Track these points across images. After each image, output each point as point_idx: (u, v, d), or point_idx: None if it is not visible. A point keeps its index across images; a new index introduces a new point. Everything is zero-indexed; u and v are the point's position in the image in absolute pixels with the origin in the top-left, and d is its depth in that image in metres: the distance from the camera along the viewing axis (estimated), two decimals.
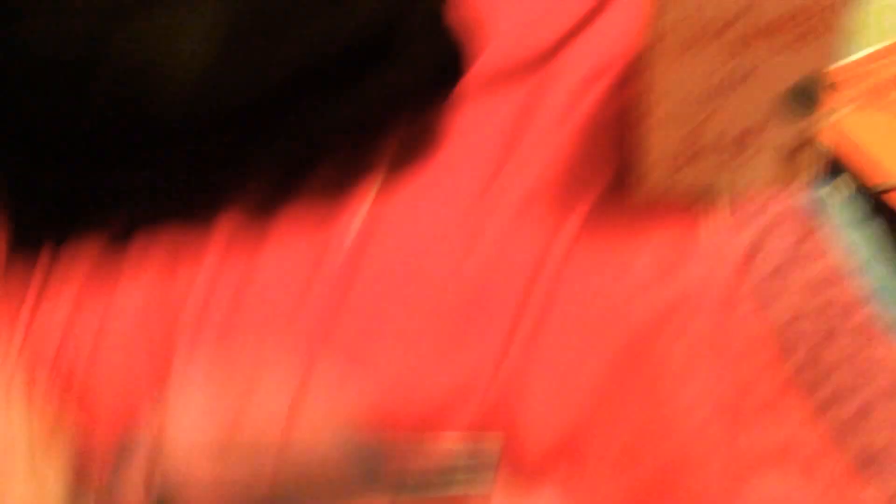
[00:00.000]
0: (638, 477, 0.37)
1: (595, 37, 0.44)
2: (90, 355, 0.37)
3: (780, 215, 0.41)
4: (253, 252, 0.39)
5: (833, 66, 0.36)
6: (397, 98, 0.40)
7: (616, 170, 0.42)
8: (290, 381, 0.35)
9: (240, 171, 0.40)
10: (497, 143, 0.42)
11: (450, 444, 0.36)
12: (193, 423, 0.33)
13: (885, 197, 0.46)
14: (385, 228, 0.40)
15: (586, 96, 0.43)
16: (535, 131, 0.42)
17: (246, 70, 0.36)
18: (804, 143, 0.38)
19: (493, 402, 0.38)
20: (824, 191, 0.43)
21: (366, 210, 0.40)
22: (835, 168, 0.47)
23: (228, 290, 0.38)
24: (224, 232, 0.40)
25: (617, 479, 0.37)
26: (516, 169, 0.42)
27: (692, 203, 0.42)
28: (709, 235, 0.42)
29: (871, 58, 0.52)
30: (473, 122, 0.43)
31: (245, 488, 0.32)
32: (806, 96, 0.36)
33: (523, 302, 0.39)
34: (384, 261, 0.39)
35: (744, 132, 0.39)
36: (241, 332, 0.38)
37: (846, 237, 0.42)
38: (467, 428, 0.37)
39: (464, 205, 0.40)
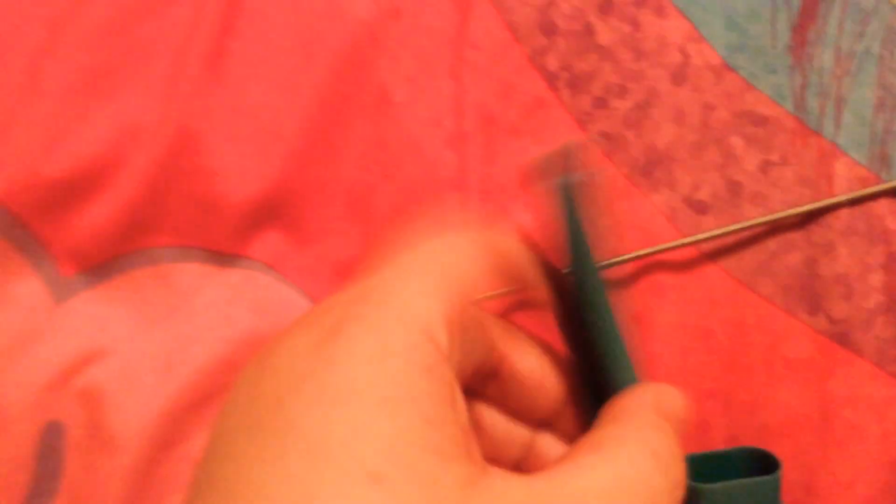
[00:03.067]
0: (373, 220, 0.32)
1: None
2: None
3: None
4: None
5: None
6: None
7: None
8: None
9: None
10: None
11: None
12: None
13: None
14: None
15: None
16: None
17: None
18: None
19: (169, 143, 0.33)
20: None
21: None
22: None
23: None
24: None
25: (348, 225, 0.33)
26: None
27: None
28: None
29: None
30: None
31: None
32: None
33: (194, 20, 0.33)
34: None
35: None
36: None
37: None
38: (144, 176, 0.32)
39: None
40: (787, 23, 0.31)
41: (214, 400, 0.32)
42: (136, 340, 0.33)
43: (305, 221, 0.33)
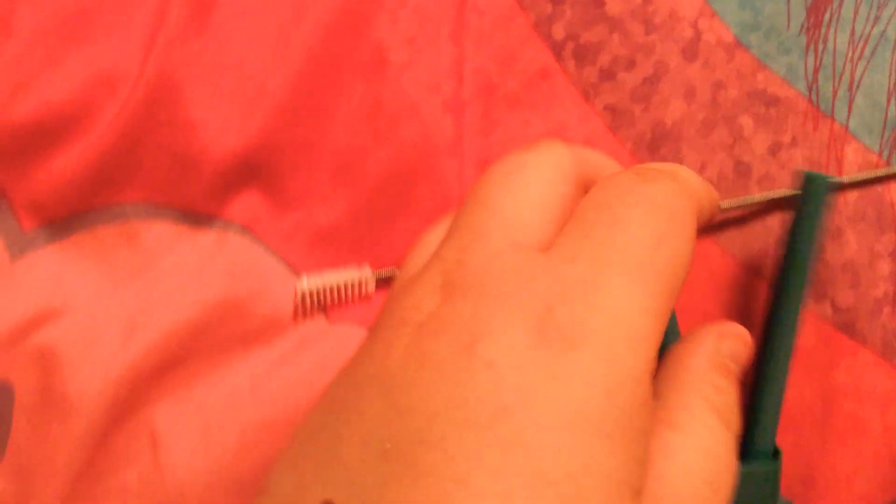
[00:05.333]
0: (361, 186, 0.31)
1: None
2: None
3: None
4: None
5: None
6: None
7: None
8: None
9: None
10: None
11: None
12: None
13: None
14: None
15: None
16: None
17: None
18: None
19: (146, 94, 0.31)
20: None
21: None
22: None
23: None
24: None
25: (334, 190, 0.31)
26: None
27: None
28: None
29: None
30: None
31: None
32: None
33: None
34: None
35: None
36: None
37: None
38: (116, 126, 0.31)
39: None
40: (802, 3, 0.31)
41: (179, 367, 0.31)
42: (97, 300, 0.32)
43: (288, 183, 0.32)
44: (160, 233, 0.32)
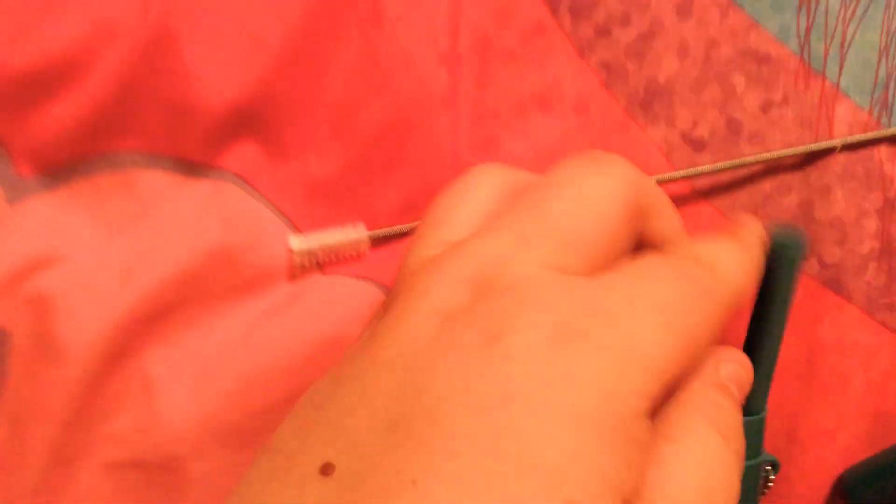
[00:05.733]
0: (356, 138, 0.31)
1: None
2: None
3: None
4: None
5: None
6: None
7: None
8: None
9: None
10: None
11: None
12: None
13: None
14: None
15: None
16: None
17: None
18: None
19: (145, 42, 0.31)
20: None
21: None
22: None
23: None
24: None
25: (330, 141, 0.32)
26: None
27: None
28: None
29: None
30: None
31: None
32: None
33: None
34: None
35: None
36: None
37: None
38: (115, 74, 0.31)
39: None
40: None
41: (174, 314, 0.31)
42: (93, 248, 0.32)
43: (284, 134, 0.32)
44: (156, 181, 0.32)
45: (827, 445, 0.30)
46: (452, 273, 0.20)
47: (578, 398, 0.17)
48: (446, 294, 0.20)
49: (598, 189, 0.21)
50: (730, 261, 0.23)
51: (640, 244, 0.23)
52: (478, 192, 0.23)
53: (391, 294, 0.22)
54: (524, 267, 0.20)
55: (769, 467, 0.29)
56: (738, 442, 0.21)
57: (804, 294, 0.30)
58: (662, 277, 0.20)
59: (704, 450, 0.20)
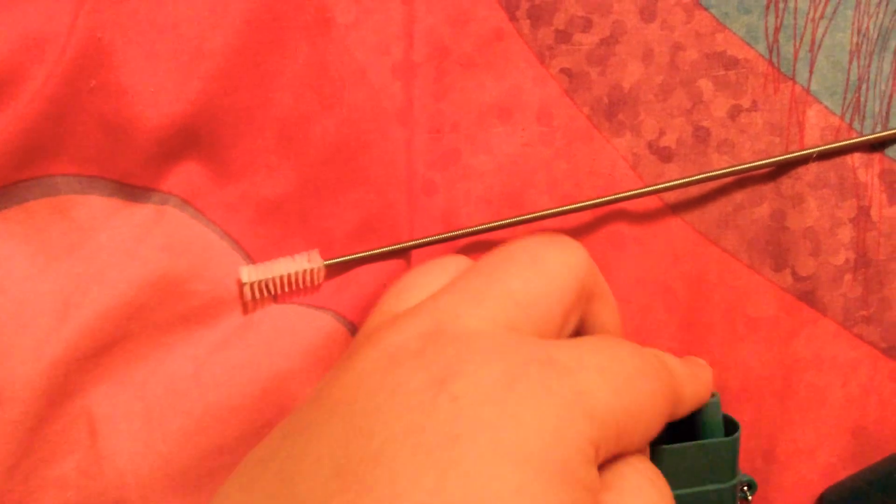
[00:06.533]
0: (307, 156, 0.30)
1: None
2: None
3: None
4: None
5: None
6: None
7: None
8: None
9: None
10: None
11: None
12: None
13: None
14: None
15: None
16: None
17: None
18: None
19: (76, 57, 0.29)
20: None
21: None
22: None
23: None
24: None
25: (278, 159, 0.30)
26: None
27: None
28: None
29: None
30: None
31: None
32: None
33: None
34: None
35: None
36: None
37: None
38: (45, 92, 0.28)
39: None
40: None
41: (118, 349, 0.29)
42: (28, 280, 0.30)
43: (229, 153, 0.30)
44: (94, 207, 0.30)
45: (806, 464, 0.29)
46: (407, 326, 0.20)
47: (524, 440, 0.18)
48: (399, 341, 0.20)
49: (555, 262, 0.22)
50: (675, 361, 0.25)
51: (578, 331, 0.24)
52: (437, 270, 0.23)
53: (345, 354, 0.22)
54: (476, 321, 0.20)
55: (745, 488, 0.28)
56: (664, 484, 0.22)
57: (779, 308, 0.29)
58: (616, 346, 0.21)
59: (638, 498, 0.20)
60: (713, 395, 0.26)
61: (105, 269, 0.30)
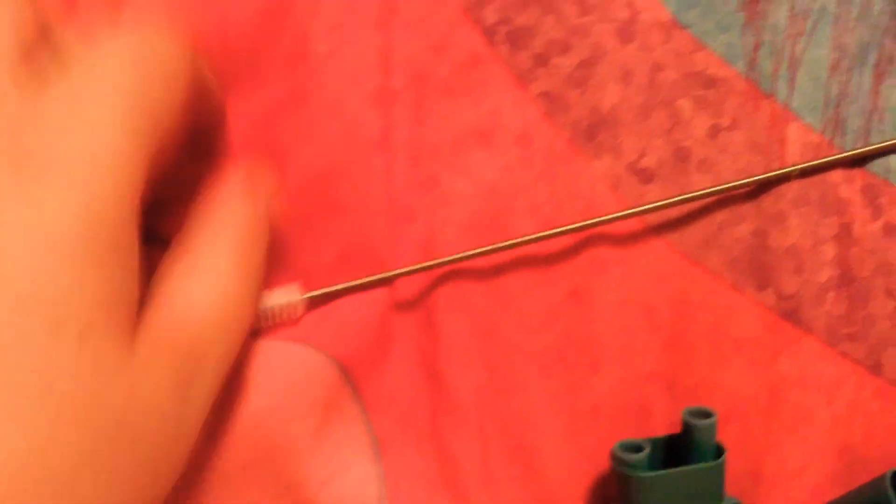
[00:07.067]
0: (283, 187, 0.29)
1: None
2: None
3: None
4: None
5: None
6: None
7: None
8: None
9: None
10: None
11: None
12: None
13: None
14: None
15: None
16: None
17: None
18: None
19: None
20: None
21: None
22: None
23: None
24: None
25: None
26: None
27: None
28: None
29: None
30: None
31: None
32: None
33: None
34: None
35: None
36: None
37: None
38: None
39: None
40: None
41: None
42: None
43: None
44: None
45: (794, 484, 0.29)
46: None
47: (54, 226, 0.17)
48: None
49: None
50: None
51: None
52: None
53: None
54: None
55: None
56: (257, 252, 0.22)
57: (763, 328, 0.29)
58: (105, 54, 0.20)
59: (221, 262, 0.21)
60: (709, 416, 0.26)
61: None
